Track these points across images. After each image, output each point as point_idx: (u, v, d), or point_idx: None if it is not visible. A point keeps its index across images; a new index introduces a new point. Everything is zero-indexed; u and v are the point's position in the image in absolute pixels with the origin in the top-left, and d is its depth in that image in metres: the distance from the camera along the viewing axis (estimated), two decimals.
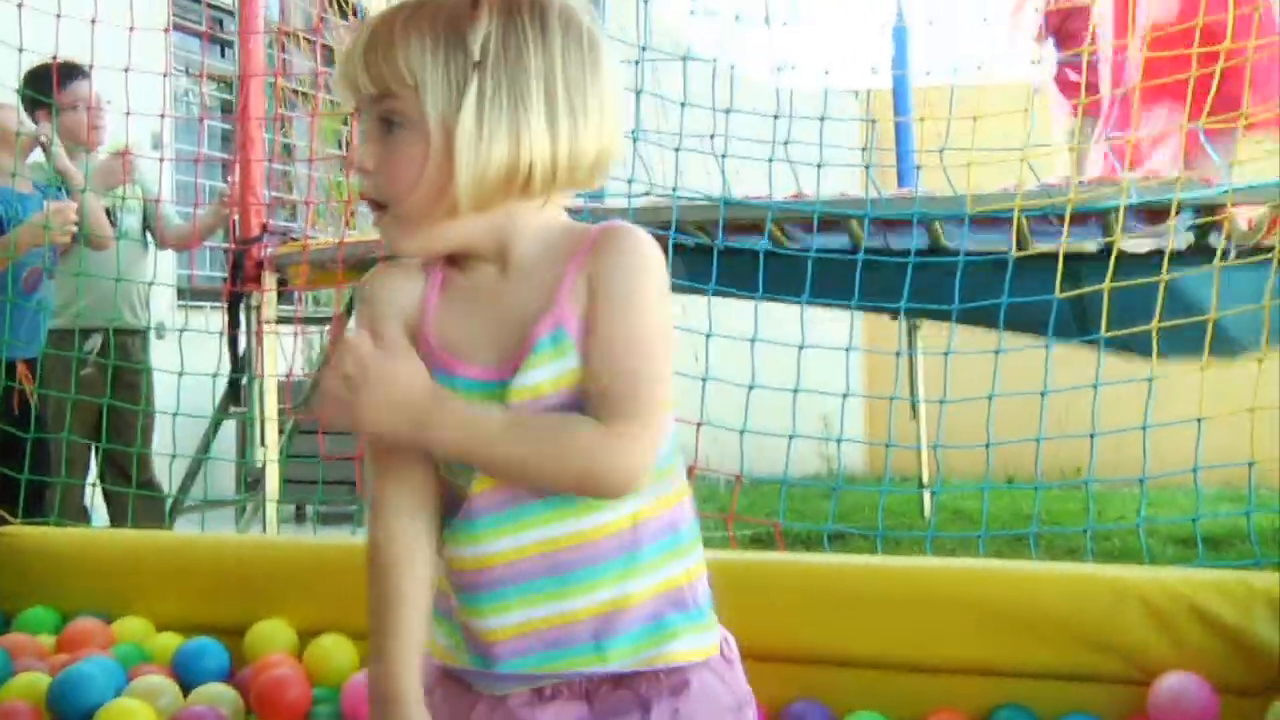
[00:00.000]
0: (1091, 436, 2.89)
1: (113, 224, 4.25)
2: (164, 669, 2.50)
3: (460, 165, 1.18)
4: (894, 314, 3.33)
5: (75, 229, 3.83)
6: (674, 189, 3.52)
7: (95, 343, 4.25)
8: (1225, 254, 2.91)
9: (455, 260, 1.27)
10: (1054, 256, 2.94)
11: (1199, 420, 2.71)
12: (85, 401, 3.96)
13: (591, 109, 1.22)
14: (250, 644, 2.58)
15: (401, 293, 1.27)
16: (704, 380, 3.38)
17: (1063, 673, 2.25)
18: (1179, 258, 3.00)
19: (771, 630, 2.38)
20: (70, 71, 4.14)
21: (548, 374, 1.21)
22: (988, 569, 2.45)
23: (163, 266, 4.51)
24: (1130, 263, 3.04)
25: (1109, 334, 2.84)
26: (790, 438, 3.42)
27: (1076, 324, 3.08)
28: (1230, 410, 2.64)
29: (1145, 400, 2.75)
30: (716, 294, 3.38)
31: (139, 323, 4.42)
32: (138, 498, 4.04)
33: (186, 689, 2.42)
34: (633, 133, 3.34)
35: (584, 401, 1.20)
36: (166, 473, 4.37)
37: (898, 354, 5.96)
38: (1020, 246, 3.24)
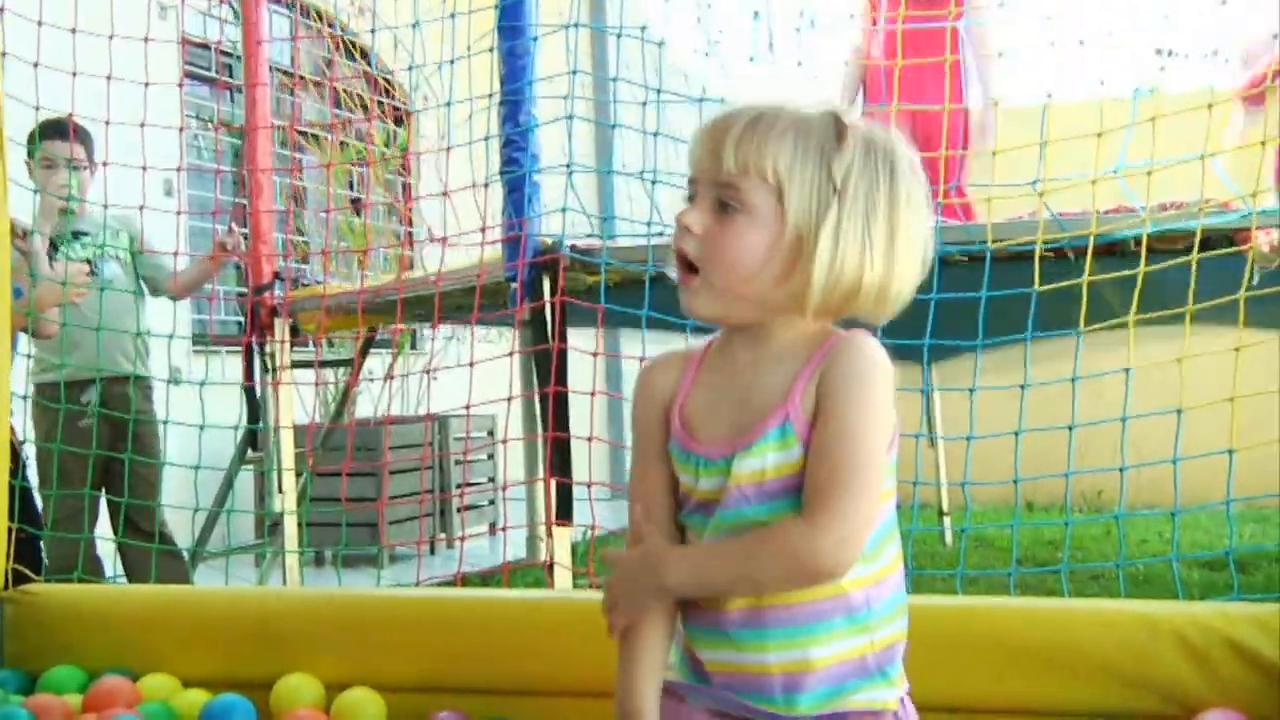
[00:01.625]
0: (1121, 470, 2.87)
1: (93, 274, 4.26)
2: None
3: (815, 278, 1.36)
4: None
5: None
6: None
7: (91, 394, 4.25)
8: (1251, 279, 2.91)
9: (717, 344, 1.49)
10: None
11: (1230, 452, 2.70)
12: (86, 453, 3.96)
13: (915, 250, 1.40)
14: (277, 698, 2.56)
15: (667, 379, 1.51)
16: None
17: (1099, 711, 2.22)
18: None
19: None
20: (47, 130, 4.15)
21: (771, 461, 1.39)
22: (1019, 607, 2.43)
23: (178, 314, 4.50)
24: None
25: (1139, 316, 2.83)
26: None
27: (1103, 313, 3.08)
28: (1262, 442, 2.63)
29: (1174, 429, 2.74)
30: None
31: (135, 370, 4.42)
32: (150, 549, 4.03)
33: None
34: (651, 173, 3.35)
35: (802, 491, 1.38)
36: (186, 522, 4.37)
37: (922, 390, 5.96)
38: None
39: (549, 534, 3.26)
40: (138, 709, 2.51)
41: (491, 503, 7.49)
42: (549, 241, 3.47)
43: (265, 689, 2.58)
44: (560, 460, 3.22)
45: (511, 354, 3.51)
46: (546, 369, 3.40)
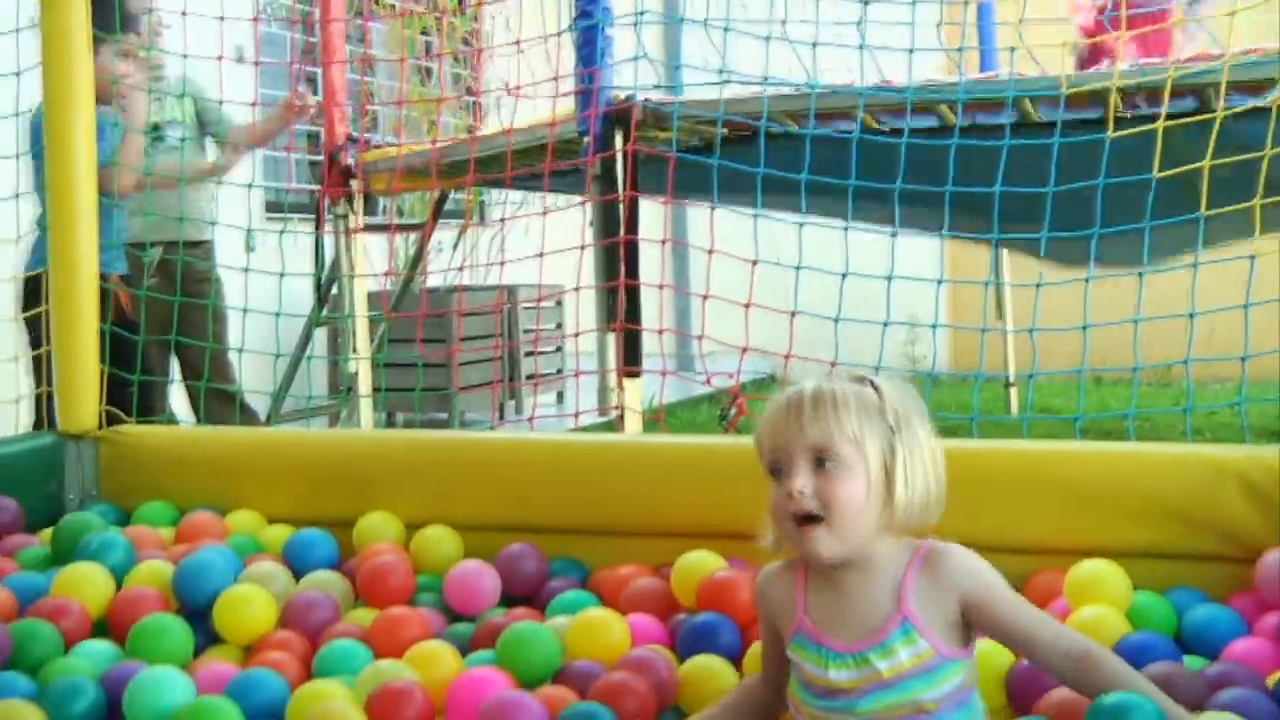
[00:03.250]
0: (1191, 316, 2.85)
1: (160, 140, 4.32)
2: (276, 559, 2.58)
3: (899, 502, 1.70)
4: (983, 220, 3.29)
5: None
6: (765, 78, 3.49)
7: (155, 255, 4.34)
8: None
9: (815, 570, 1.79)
10: (1149, 133, 2.89)
11: None
12: (155, 309, 4.05)
13: (940, 463, 1.76)
14: (358, 535, 2.66)
15: (780, 590, 1.82)
16: (797, 269, 3.38)
17: (1163, 551, 2.25)
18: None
19: None
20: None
21: (906, 656, 1.69)
22: (1086, 450, 2.45)
23: (253, 182, 4.55)
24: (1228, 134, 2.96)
25: (1209, 212, 2.79)
26: (884, 325, 3.43)
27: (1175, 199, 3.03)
28: None
29: (1246, 282, 2.71)
30: (809, 184, 3.35)
31: (200, 235, 4.50)
32: (218, 402, 4.14)
33: (298, 577, 2.50)
34: (721, 22, 3.33)
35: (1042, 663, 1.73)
36: (264, 377, 4.47)
37: (988, 281, 5.92)
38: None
39: (619, 385, 3.32)
40: (227, 542, 2.62)
41: (559, 371, 7.58)
42: (621, 95, 3.47)
43: (346, 527, 2.67)
44: (630, 311, 3.26)
45: (584, 201, 3.53)
46: (615, 227, 3.43)
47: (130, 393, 3.33)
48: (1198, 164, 2.93)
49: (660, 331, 3.17)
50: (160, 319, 3.96)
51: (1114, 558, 2.27)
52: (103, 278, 3.21)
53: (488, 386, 6.67)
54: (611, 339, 3.45)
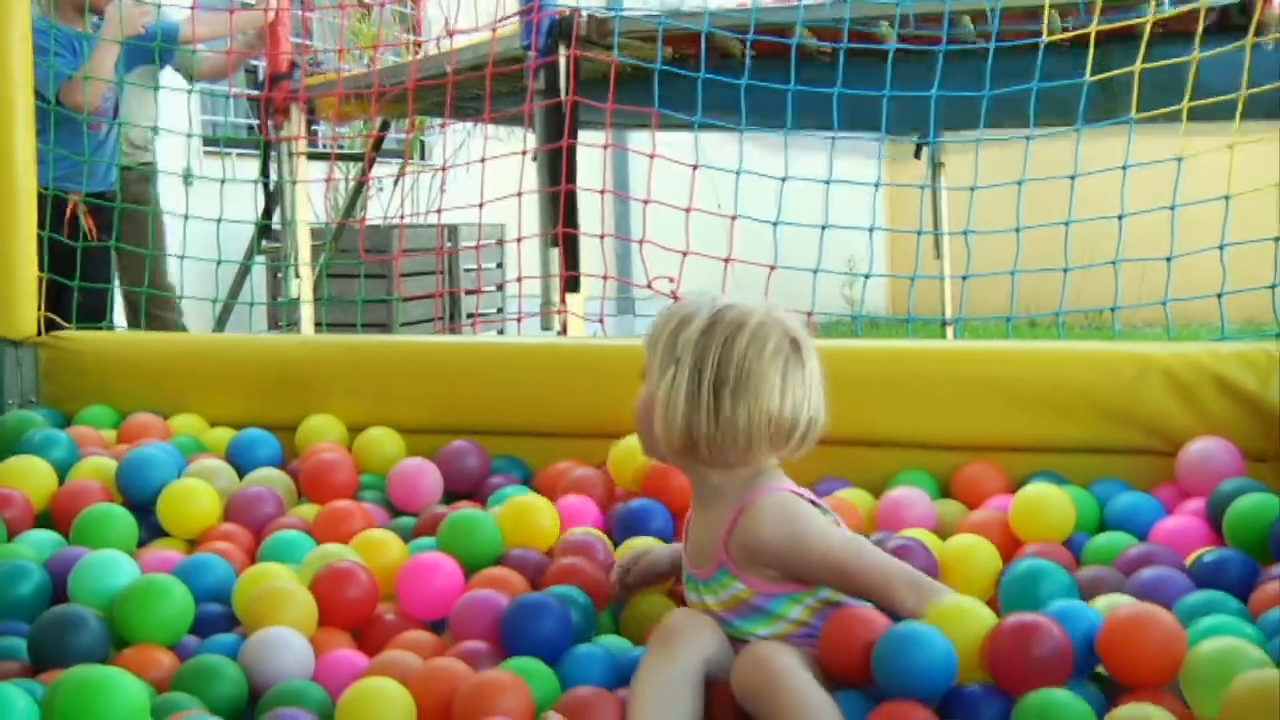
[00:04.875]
0: (1114, 265, 2.91)
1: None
2: (220, 458, 2.59)
3: (657, 429, 1.73)
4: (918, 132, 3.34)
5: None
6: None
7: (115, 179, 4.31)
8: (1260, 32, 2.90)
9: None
10: (1081, 42, 2.95)
11: (1226, 198, 2.74)
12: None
13: (755, 410, 1.69)
14: (301, 437, 2.67)
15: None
16: (733, 219, 3.41)
17: (1089, 446, 2.32)
18: (1205, 38, 3.00)
19: None
20: None
21: (727, 595, 1.75)
22: (1016, 348, 2.52)
23: (185, 111, 4.50)
24: (1159, 43, 3.04)
25: (1139, 115, 2.86)
26: (815, 272, 3.46)
27: (1106, 108, 3.10)
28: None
29: (1170, 232, 2.78)
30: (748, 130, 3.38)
31: (135, 160, 4.47)
32: (156, 320, 4.13)
33: (241, 475, 2.52)
34: None
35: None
36: (204, 316, 4.45)
37: (923, 187, 6.00)
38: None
39: (562, 298, 3.34)
40: (170, 442, 2.63)
41: (500, 310, 7.58)
42: (565, 11, 3.47)
43: (289, 431, 2.68)
44: (570, 221, 3.28)
45: (527, 115, 3.53)
46: (558, 165, 3.44)
47: (68, 300, 3.32)
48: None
49: (601, 237, 3.19)
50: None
51: (1042, 452, 2.34)
52: (63, 191, 3.21)
53: (428, 323, 6.67)
54: (554, 255, 3.46)
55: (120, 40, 4.03)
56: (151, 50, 4.26)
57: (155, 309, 4.07)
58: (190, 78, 4.60)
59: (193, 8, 4.41)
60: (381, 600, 2.05)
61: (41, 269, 3.03)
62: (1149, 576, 1.89)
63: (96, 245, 3.81)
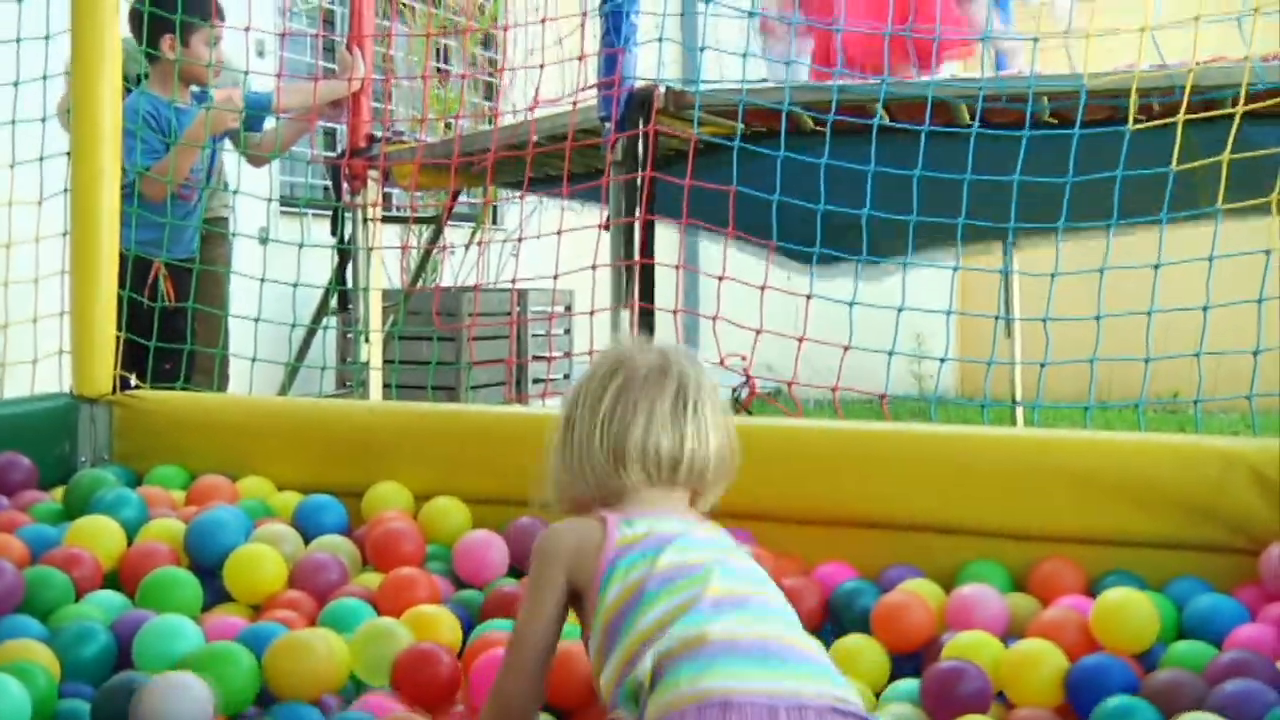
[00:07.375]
0: (1197, 355, 2.85)
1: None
2: (286, 523, 2.59)
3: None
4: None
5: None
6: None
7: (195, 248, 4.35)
8: None
9: None
10: (1166, 131, 2.91)
11: None
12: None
13: (587, 452, 1.72)
14: (368, 504, 2.67)
15: None
16: (808, 298, 3.38)
17: (1170, 542, 2.27)
18: None
19: (877, 498, 2.43)
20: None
21: None
22: (1095, 439, 2.46)
23: (263, 172, 4.53)
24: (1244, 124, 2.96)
25: (1226, 205, 2.79)
26: (889, 354, 3.41)
27: (1184, 195, 3.03)
28: None
29: (1256, 324, 2.73)
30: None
31: (216, 213, 4.49)
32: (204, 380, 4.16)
33: (307, 541, 2.51)
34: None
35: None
36: (272, 380, 4.44)
37: (1002, 272, 5.94)
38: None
39: None
40: (238, 505, 2.63)
41: (567, 377, 7.59)
42: (645, 83, 3.49)
43: (355, 497, 2.69)
44: (645, 294, 3.27)
45: (604, 187, 3.54)
46: (630, 236, 3.43)
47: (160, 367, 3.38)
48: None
49: (675, 312, 3.17)
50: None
51: (1121, 547, 2.29)
52: (147, 257, 3.25)
53: (495, 387, 6.70)
54: (624, 323, 3.45)
55: (202, 145, 4.04)
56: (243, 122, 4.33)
57: (203, 371, 4.07)
58: (246, 155, 4.61)
59: (278, 75, 4.47)
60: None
61: (119, 329, 3.07)
62: (1234, 689, 1.82)
63: (175, 306, 3.84)
